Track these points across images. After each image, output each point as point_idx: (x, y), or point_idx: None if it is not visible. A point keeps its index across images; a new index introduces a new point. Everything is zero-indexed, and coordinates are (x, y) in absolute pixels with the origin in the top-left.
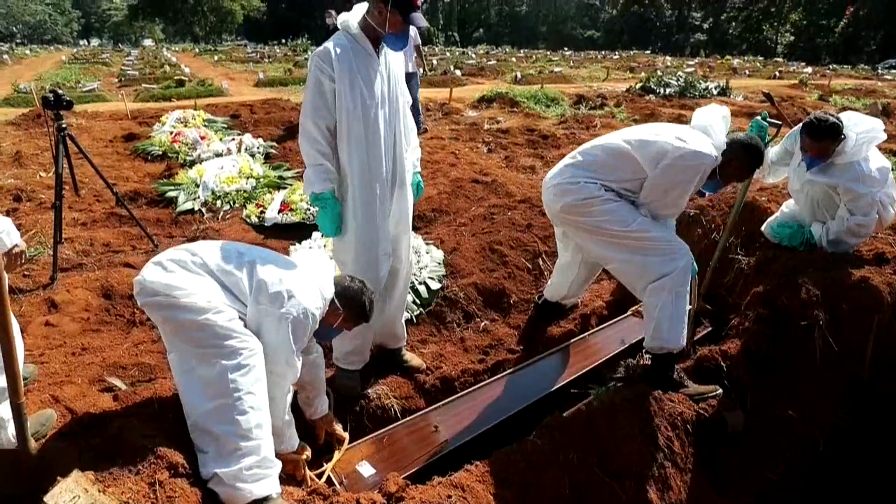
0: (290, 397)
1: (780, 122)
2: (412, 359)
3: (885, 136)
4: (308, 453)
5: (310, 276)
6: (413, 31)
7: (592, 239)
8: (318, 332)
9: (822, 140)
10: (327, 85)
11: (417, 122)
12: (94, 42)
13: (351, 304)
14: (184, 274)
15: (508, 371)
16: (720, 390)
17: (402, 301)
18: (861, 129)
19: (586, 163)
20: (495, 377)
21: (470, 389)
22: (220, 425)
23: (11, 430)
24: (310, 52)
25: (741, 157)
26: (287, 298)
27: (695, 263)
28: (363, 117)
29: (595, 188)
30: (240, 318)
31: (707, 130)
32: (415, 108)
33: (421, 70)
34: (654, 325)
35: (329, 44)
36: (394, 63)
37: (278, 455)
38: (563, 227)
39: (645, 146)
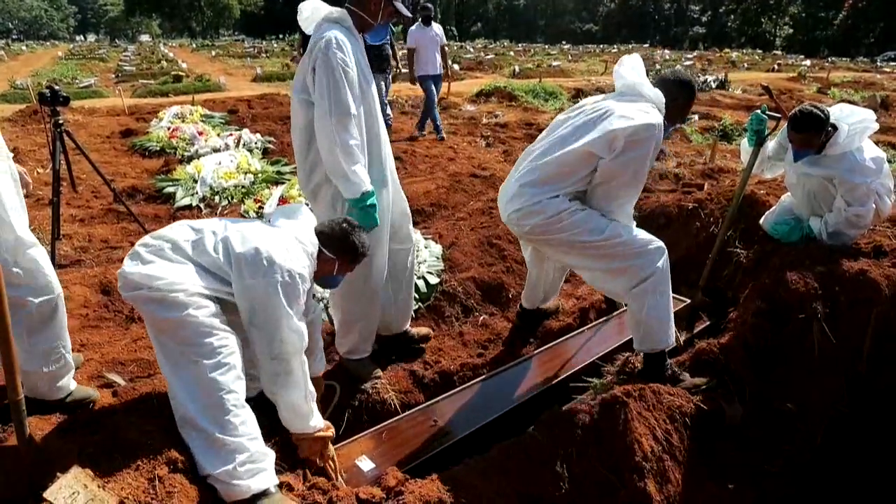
0: (306, 367)
1: (779, 115)
2: (418, 330)
3: (877, 126)
4: (332, 431)
5: (287, 235)
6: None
7: (570, 253)
8: (323, 281)
9: (805, 132)
10: (353, 77)
11: (437, 127)
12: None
13: (342, 249)
14: (162, 264)
15: (507, 366)
16: (714, 381)
17: (412, 282)
18: (853, 119)
19: (542, 178)
20: (494, 372)
21: (469, 384)
22: (204, 423)
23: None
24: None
25: (678, 96)
26: (268, 266)
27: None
28: (368, 109)
29: (559, 202)
30: (228, 298)
31: (638, 89)
32: (431, 112)
33: (393, 68)
34: (643, 328)
35: (339, 36)
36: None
37: (305, 436)
38: (535, 245)
39: (594, 139)
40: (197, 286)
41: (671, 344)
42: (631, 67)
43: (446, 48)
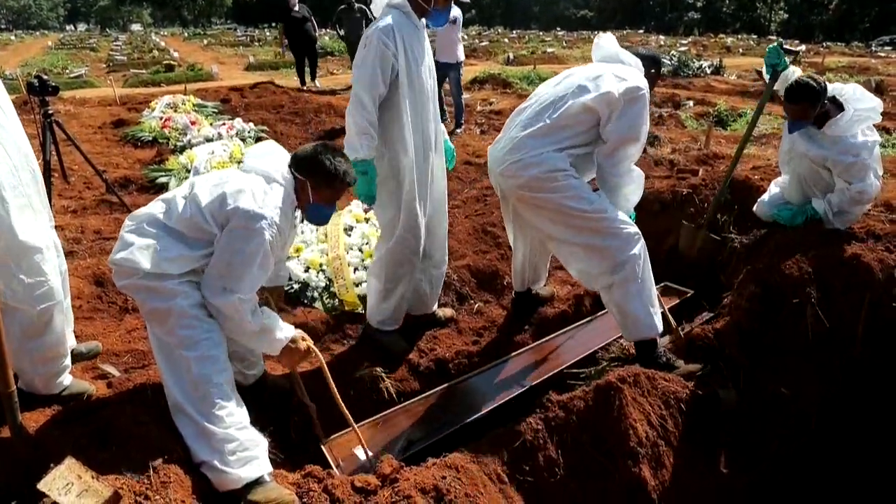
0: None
1: (796, 51)
2: (444, 312)
3: (879, 119)
4: (304, 341)
5: (255, 176)
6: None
7: (555, 220)
8: (310, 215)
9: (799, 102)
10: (389, 59)
11: (459, 122)
12: (81, 27)
13: (311, 168)
14: (142, 242)
15: (504, 358)
16: (708, 367)
17: (446, 261)
18: (861, 105)
19: (543, 129)
20: (491, 364)
21: (466, 375)
22: (193, 412)
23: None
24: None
25: (650, 68)
26: (233, 212)
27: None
28: (418, 89)
29: (560, 159)
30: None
31: (619, 57)
32: (458, 105)
33: None
34: (629, 318)
35: (389, 20)
36: (426, 39)
37: (285, 349)
38: (519, 206)
39: (594, 96)
40: (182, 266)
41: (659, 331)
42: (608, 41)
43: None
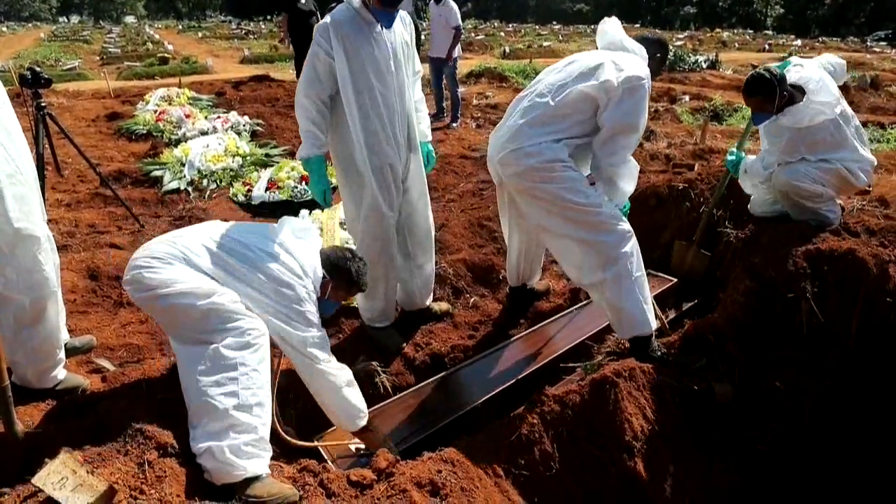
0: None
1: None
2: (440, 306)
3: (833, 115)
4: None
5: (303, 253)
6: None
7: (551, 212)
8: (319, 307)
9: (754, 96)
10: (322, 58)
11: (456, 116)
12: (74, 19)
13: (339, 273)
14: (183, 268)
15: (498, 347)
16: (704, 361)
17: (432, 258)
18: (818, 98)
19: (542, 118)
20: (485, 353)
21: (460, 366)
22: (221, 397)
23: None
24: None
25: (657, 52)
26: (298, 289)
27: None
28: (367, 87)
29: (558, 149)
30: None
31: (623, 44)
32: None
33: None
34: (622, 316)
35: (328, 18)
36: (402, 31)
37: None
38: (517, 196)
39: (593, 84)
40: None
41: (652, 329)
42: (613, 26)
43: (459, 30)
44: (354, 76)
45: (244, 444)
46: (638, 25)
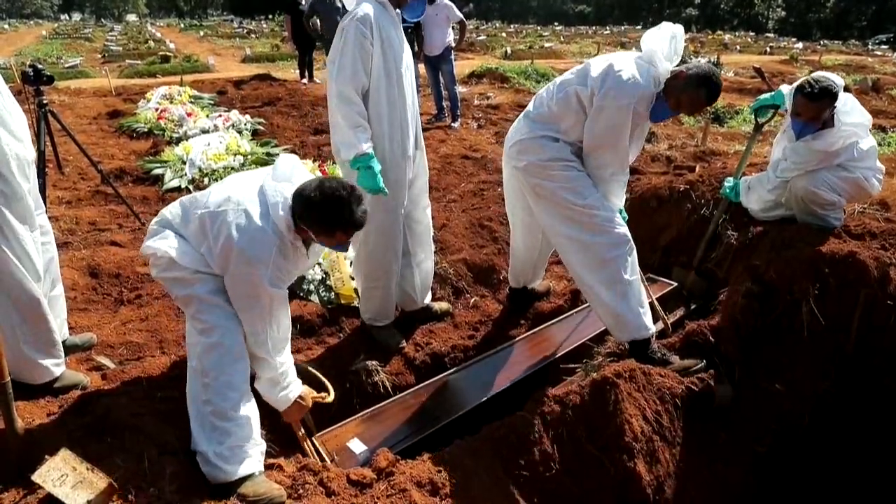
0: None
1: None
2: (440, 305)
3: (866, 136)
4: (309, 401)
5: (264, 211)
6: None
7: (555, 210)
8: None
9: (821, 100)
10: (369, 49)
11: (455, 115)
12: (76, 17)
13: (311, 219)
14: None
15: (498, 348)
16: (704, 362)
17: (431, 255)
18: (850, 120)
19: (544, 115)
20: (485, 354)
21: (460, 367)
22: (200, 403)
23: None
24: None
25: (691, 88)
26: (238, 258)
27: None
28: (396, 82)
29: (558, 148)
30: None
31: (652, 59)
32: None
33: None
34: (619, 321)
35: (366, 9)
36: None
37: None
38: (525, 190)
39: (583, 80)
40: (198, 264)
41: (650, 332)
42: (662, 37)
43: (464, 23)
44: (388, 67)
45: (228, 448)
46: (640, 27)
